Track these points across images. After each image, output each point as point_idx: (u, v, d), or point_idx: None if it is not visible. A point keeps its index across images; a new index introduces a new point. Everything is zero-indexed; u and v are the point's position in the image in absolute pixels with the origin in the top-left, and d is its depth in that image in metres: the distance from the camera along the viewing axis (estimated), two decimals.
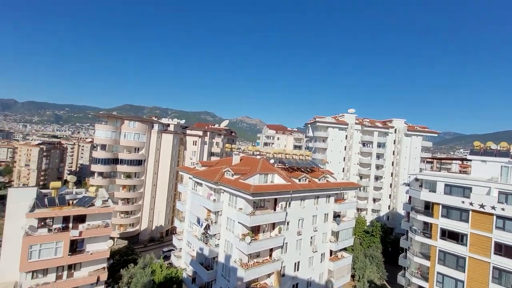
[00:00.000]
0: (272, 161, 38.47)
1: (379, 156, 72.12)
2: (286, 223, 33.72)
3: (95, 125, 61.90)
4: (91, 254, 30.66)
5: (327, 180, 40.38)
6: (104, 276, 31.80)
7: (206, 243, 34.14)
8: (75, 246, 30.23)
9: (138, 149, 64.16)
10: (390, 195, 71.65)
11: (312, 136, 74.50)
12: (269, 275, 32.01)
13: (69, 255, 29.12)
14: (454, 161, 67.32)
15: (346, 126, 71.04)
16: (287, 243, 33.80)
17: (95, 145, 63.10)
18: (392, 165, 72.23)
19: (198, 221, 36.47)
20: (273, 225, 33.12)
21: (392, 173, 72.02)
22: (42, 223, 28.92)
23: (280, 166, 38.37)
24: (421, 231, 37.41)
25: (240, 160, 39.59)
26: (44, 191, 35.85)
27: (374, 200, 72.00)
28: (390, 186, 71.80)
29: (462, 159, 59.80)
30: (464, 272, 32.35)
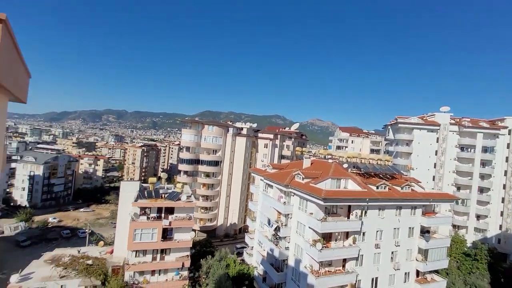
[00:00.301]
0: (345, 165, 36.24)
1: (484, 163, 58.84)
2: (361, 233, 31.13)
3: (182, 129, 71.15)
4: (177, 242, 35.30)
5: (412, 189, 35.46)
6: (187, 263, 36.11)
7: (276, 245, 34.62)
8: (166, 234, 35.36)
9: (216, 151, 70.40)
10: (501, 212, 57.42)
11: (392, 139, 66.67)
12: (342, 287, 30.12)
13: (161, 240, 34.30)
14: None
15: (438, 127, 60.75)
16: (362, 255, 31.13)
17: (181, 147, 72.53)
18: (505, 175, 57.76)
19: (269, 222, 37.37)
20: (347, 234, 31.06)
21: (504, 185, 57.63)
22: (143, 212, 34.96)
23: (354, 171, 35.77)
24: None
25: (311, 163, 38.73)
26: (144, 184, 43.31)
27: (478, 217, 58.95)
28: (502, 201, 57.53)
29: None
30: None
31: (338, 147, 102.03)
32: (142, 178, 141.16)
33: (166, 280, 35.35)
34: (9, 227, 65.15)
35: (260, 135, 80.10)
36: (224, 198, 71.57)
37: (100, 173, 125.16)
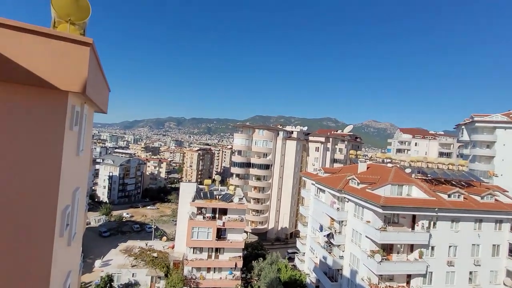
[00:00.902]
0: (408, 170, 32.78)
1: None
2: (429, 247, 27.60)
3: (234, 134, 74.20)
4: (230, 242, 36.69)
5: (495, 199, 30.07)
6: (240, 264, 37.19)
7: (330, 253, 33.10)
8: (220, 234, 37.10)
9: (266, 154, 71.27)
10: None
11: (468, 141, 57.59)
12: None
13: (216, 239, 36.12)
14: None
15: None
16: (431, 272, 27.52)
17: (233, 151, 75.55)
18: None
19: (321, 229, 36.00)
20: (411, 247, 27.91)
21: None
22: (199, 211, 37.41)
23: (419, 177, 32.07)
24: None
25: (367, 168, 36.13)
26: (200, 186, 46.35)
27: None
28: None
29: None
30: None
31: (399, 150, 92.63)
32: (199, 180, 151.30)
33: (220, 278, 36.99)
34: (94, 219, 77.10)
35: (310, 138, 78.21)
36: (275, 202, 71.73)
37: (163, 174, 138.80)
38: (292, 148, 72.04)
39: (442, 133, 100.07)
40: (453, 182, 32.51)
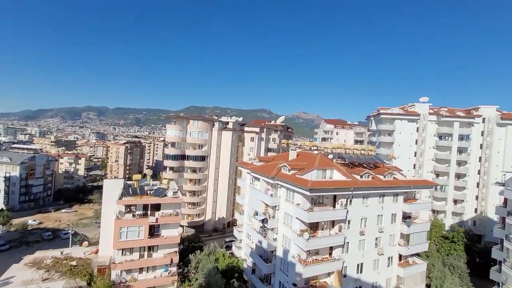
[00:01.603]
0: (330, 156, 36.90)
1: (461, 150, 61.77)
2: (347, 221, 32.02)
3: (166, 125, 69.68)
4: (165, 238, 34.86)
5: (394, 177, 36.69)
6: (176, 259, 35.81)
7: (265, 236, 34.97)
8: (153, 231, 34.77)
9: (201, 145, 69.60)
10: (477, 196, 60.78)
11: (375, 130, 68.48)
12: (329, 274, 30.95)
13: (148, 237, 33.74)
14: None
15: (417, 117, 62.91)
16: (348, 242, 32.09)
17: (166, 143, 71.15)
18: (480, 161, 60.96)
19: (256, 215, 37.62)
20: (333, 223, 31.82)
21: (479, 171, 60.87)
22: (128, 209, 34.13)
23: (339, 162, 36.50)
24: None
25: (297, 155, 39.10)
26: (128, 182, 42.22)
27: (455, 201, 62.13)
28: (477, 186, 60.85)
29: None
30: None
31: (324, 139, 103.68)
32: (127, 176, 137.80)
33: (155, 277, 34.93)
34: None
35: (246, 129, 79.85)
36: (211, 193, 71.23)
37: (81, 172, 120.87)
38: (228, 138, 72.24)
39: (357, 123, 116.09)
40: (364, 165, 38.23)
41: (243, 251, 42.81)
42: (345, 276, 31.89)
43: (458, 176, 61.94)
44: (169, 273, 35.46)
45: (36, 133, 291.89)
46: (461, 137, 61.91)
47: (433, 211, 61.15)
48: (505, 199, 35.02)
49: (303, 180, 30.13)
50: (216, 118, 78.75)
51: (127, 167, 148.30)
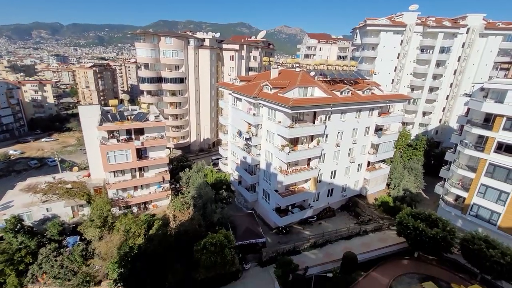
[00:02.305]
0: (312, 73, 36.35)
1: (439, 63, 62.39)
2: (325, 135, 34.39)
3: (135, 44, 62.56)
4: (153, 159, 36.53)
5: (372, 93, 37.79)
6: (167, 177, 38.61)
7: (249, 153, 37.51)
8: (141, 154, 36.00)
9: (178, 66, 65.09)
10: (444, 108, 65.32)
11: (360, 44, 65.79)
12: (306, 181, 35.25)
13: (137, 160, 35.18)
14: None
15: (403, 29, 60.12)
16: (325, 154, 35.34)
17: (139, 65, 65.57)
18: (454, 74, 62.72)
19: (240, 134, 39.18)
20: (312, 137, 34.16)
21: (452, 84, 63.43)
22: (111, 135, 34.14)
23: (321, 79, 36.31)
24: (473, 145, 35.15)
25: (279, 73, 38.15)
26: (105, 108, 40.73)
27: (424, 113, 66.80)
28: (447, 98, 64.57)
29: None
30: None
31: (306, 56, 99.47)
32: (102, 102, 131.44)
33: (150, 192, 38.28)
34: None
35: (224, 46, 73.79)
36: (194, 116, 71.17)
37: (51, 100, 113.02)
38: (205, 58, 67.38)
39: (342, 37, 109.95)
40: (345, 81, 38.43)
41: (229, 167, 46.43)
42: (320, 181, 36.53)
43: (431, 89, 64.51)
44: (162, 189, 38.82)
45: None
46: (442, 50, 61.48)
47: (403, 123, 66.13)
48: (468, 109, 37.97)
49: (284, 98, 30.41)
50: (190, 34, 71.10)
51: (101, 93, 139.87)
